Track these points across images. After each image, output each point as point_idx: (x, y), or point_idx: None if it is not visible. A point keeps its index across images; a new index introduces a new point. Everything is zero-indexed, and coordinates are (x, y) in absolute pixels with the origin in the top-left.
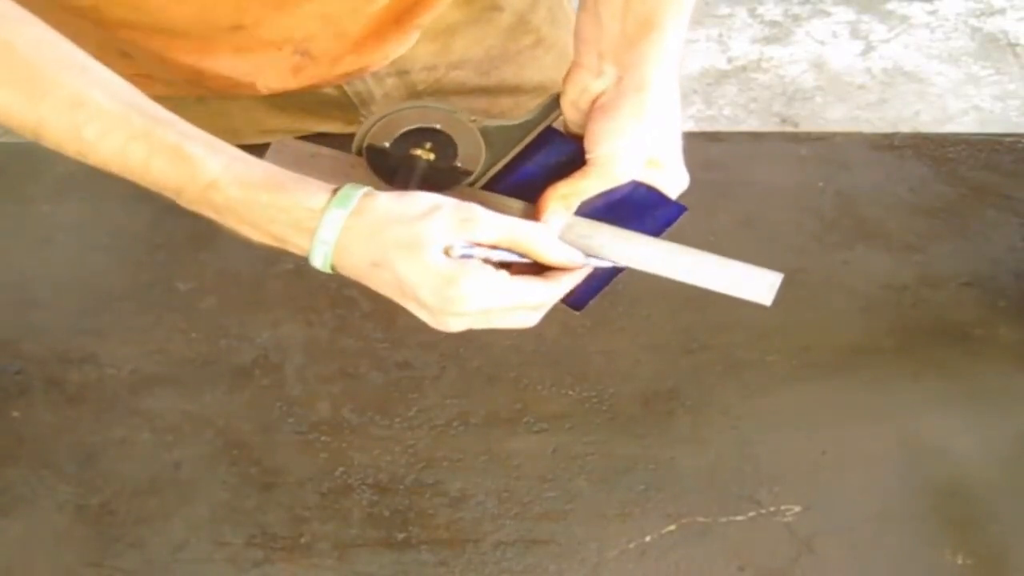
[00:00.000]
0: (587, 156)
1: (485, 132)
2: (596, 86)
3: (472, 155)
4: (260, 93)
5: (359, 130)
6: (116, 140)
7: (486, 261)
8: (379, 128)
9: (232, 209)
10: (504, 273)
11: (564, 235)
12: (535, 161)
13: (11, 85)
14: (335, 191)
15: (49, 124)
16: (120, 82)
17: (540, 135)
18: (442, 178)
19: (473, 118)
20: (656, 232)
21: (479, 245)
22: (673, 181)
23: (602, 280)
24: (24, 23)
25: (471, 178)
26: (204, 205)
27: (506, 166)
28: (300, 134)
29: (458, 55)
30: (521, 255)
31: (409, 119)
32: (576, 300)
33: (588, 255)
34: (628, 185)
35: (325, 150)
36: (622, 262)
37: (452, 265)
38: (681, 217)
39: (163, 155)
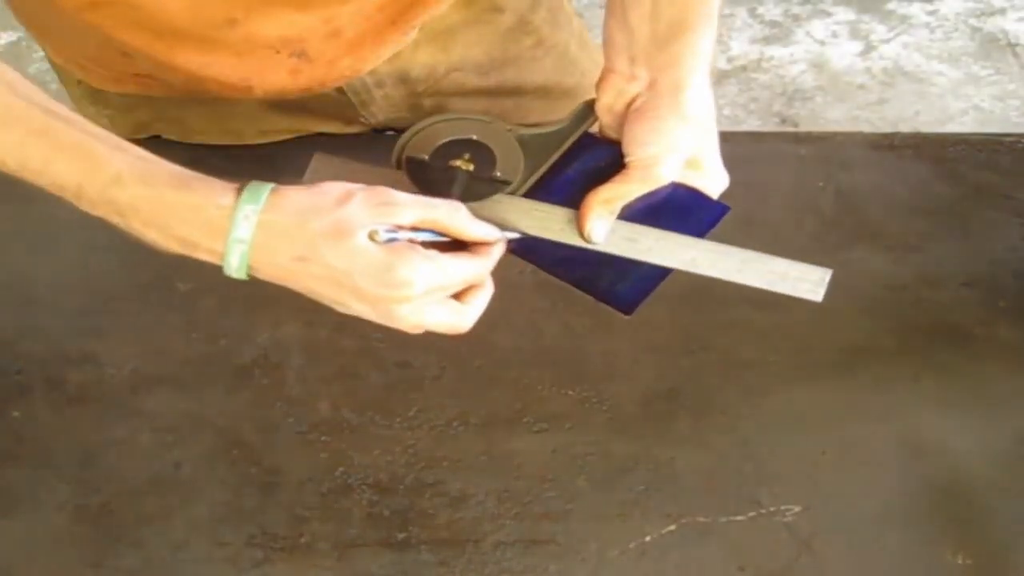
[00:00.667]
0: (627, 160)
1: (522, 141)
2: (631, 90)
3: (511, 164)
4: (258, 95)
5: (397, 144)
6: (15, 135)
7: (410, 243)
8: (417, 141)
9: (137, 209)
10: (436, 252)
11: (609, 240)
12: (574, 168)
13: None
14: (240, 189)
15: None
16: (27, 84)
17: (577, 141)
18: (482, 188)
19: (509, 127)
20: (700, 233)
21: (401, 228)
22: (713, 182)
23: (651, 281)
24: None
25: (511, 187)
26: (106, 206)
27: (545, 174)
28: (300, 134)
29: (458, 56)
30: (441, 234)
31: (446, 131)
32: (625, 302)
33: (635, 258)
34: (668, 187)
35: (365, 166)
36: (669, 264)
37: (384, 250)
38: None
39: (65, 151)
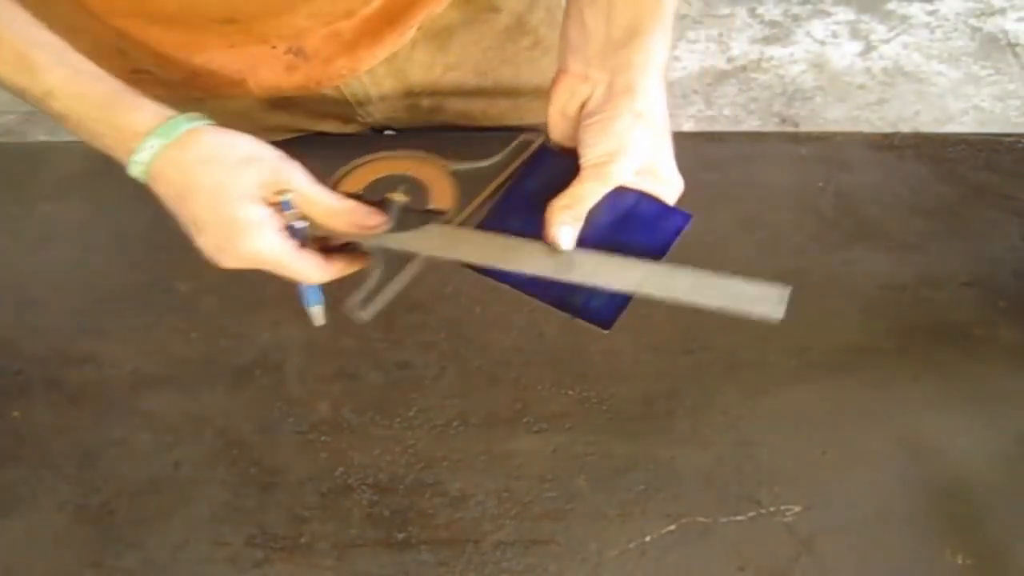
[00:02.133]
0: (581, 161)
1: (457, 175)
2: (583, 91)
3: (445, 196)
4: (252, 92)
5: (331, 178)
6: None
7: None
8: (352, 176)
9: (67, 118)
10: (289, 246)
11: (571, 275)
12: (532, 181)
13: None
14: (168, 118)
15: None
16: None
17: (533, 155)
18: (415, 219)
19: (444, 163)
20: (667, 244)
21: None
22: (670, 188)
23: (624, 297)
24: None
25: (446, 217)
26: (44, 109)
27: (506, 191)
28: (299, 134)
29: (455, 56)
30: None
31: (382, 167)
32: (602, 318)
33: (593, 284)
34: (630, 199)
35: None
36: (615, 287)
37: (246, 218)
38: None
39: (8, 59)
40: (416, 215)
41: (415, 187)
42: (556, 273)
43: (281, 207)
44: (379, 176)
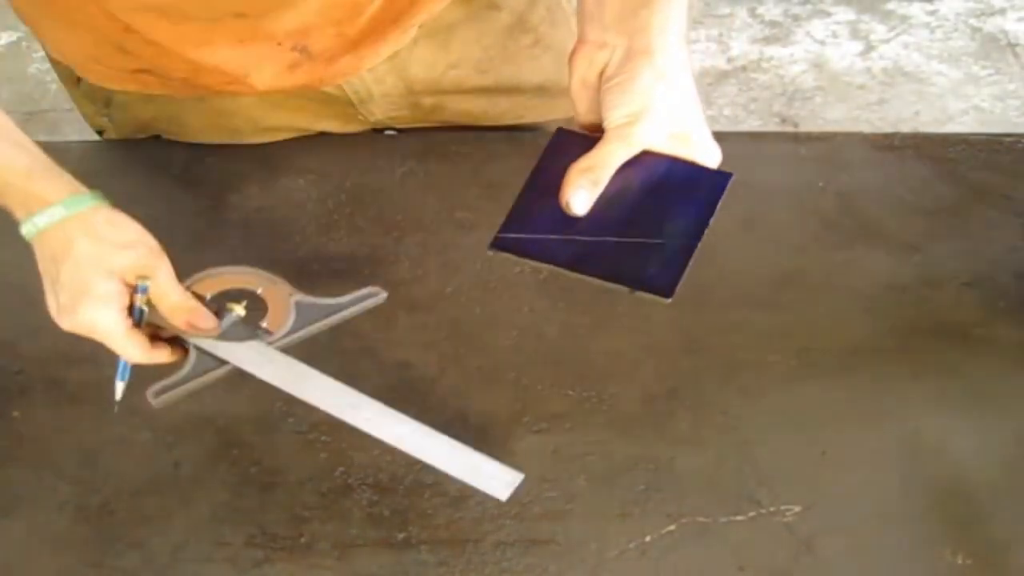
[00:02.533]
0: (604, 125)
1: (298, 305)
2: (601, 57)
3: (280, 319)
4: (255, 89)
5: (189, 279)
6: None
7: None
8: (207, 283)
9: None
10: (123, 325)
11: (355, 418)
12: (554, 166)
13: None
14: (73, 193)
15: None
16: None
17: (554, 139)
18: (244, 332)
19: (290, 290)
20: (712, 206)
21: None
22: (706, 154)
23: (679, 259)
24: None
25: (271, 338)
26: None
27: (531, 178)
28: (300, 133)
29: (456, 54)
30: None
31: (236, 281)
32: (662, 285)
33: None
34: (663, 164)
35: None
36: (390, 441)
37: (97, 289)
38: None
39: None
40: (245, 329)
41: (257, 304)
42: (339, 412)
43: (136, 289)
44: (231, 287)
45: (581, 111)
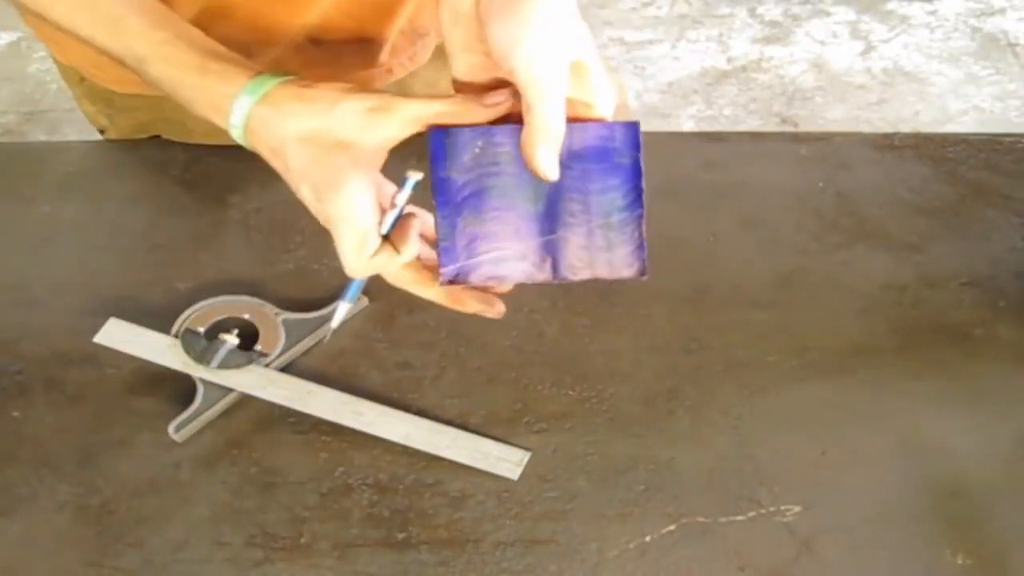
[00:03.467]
0: (511, 67)
1: (286, 323)
2: None
3: (272, 341)
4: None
5: (181, 316)
6: (63, 7)
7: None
8: (198, 315)
9: (161, 85)
10: (374, 235)
11: (359, 423)
12: (455, 169)
13: None
14: (253, 77)
15: None
16: None
17: (434, 142)
18: (241, 358)
19: (277, 312)
20: (637, 164)
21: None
22: (604, 86)
23: (632, 233)
24: None
25: (268, 360)
26: (142, 76)
27: (435, 193)
28: None
29: None
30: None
31: (222, 310)
32: (632, 265)
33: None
34: (568, 131)
35: (149, 332)
36: (397, 439)
37: (339, 172)
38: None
39: (104, 26)
40: (241, 355)
41: (247, 329)
42: (343, 419)
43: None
44: (219, 317)
45: (456, 50)
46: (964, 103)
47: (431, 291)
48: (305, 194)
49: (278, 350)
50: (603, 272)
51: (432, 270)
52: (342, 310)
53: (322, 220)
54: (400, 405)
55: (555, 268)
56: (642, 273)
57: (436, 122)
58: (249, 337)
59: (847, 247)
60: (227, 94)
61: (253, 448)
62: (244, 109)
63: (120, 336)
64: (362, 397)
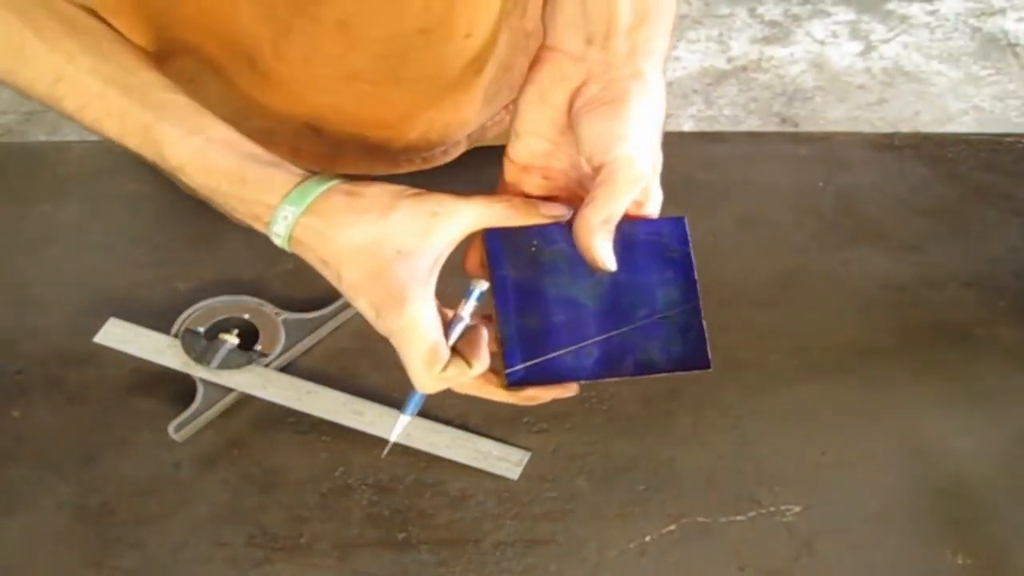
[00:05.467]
0: (603, 161)
1: (286, 323)
2: (576, 73)
3: (272, 341)
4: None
5: (179, 318)
6: (92, 114)
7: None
8: (198, 315)
9: (200, 191)
10: (444, 349)
11: (360, 423)
12: (514, 269)
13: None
14: (297, 185)
15: (35, 92)
16: (106, 62)
17: (490, 246)
18: (242, 358)
19: (277, 312)
20: (688, 257)
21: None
22: (657, 189)
23: (694, 322)
24: None
25: (267, 360)
26: (177, 178)
27: (494, 294)
28: None
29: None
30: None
31: (222, 310)
32: (697, 360)
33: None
34: (618, 228)
35: (149, 332)
36: (397, 438)
37: (400, 286)
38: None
39: (134, 135)
40: (242, 355)
41: (248, 329)
42: (343, 419)
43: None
44: (219, 317)
45: (524, 132)
46: (964, 103)
47: (499, 394)
48: (363, 307)
49: (278, 350)
50: (665, 366)
51: (496, 373)
52: (402, 423)
53: (383, 333)
54: (400, 405)
55: (618, 365)
56: (706, 366)
57: (495, 224)
58: (249, 337)
59: (847, 247)
60: (268, 204)
61: (253, 448)
62: (289, 221)
63: (120, 336)
64: (362, 397)
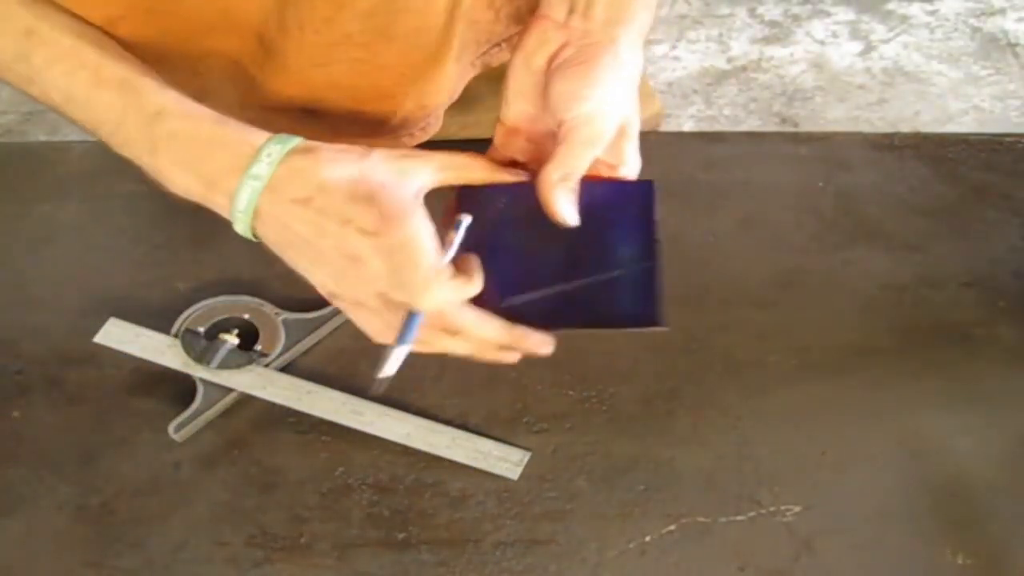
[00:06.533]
0: (563, 119)
1: (285, 323)
2: (557, 38)
3: (272, 341)
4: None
5: (179, 318)
6: (62, 67)
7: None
8: (198, 315)
9: (172, 141)
10: (446, 262)
11: (359, 423)
12: (478, 222)
13: None
14: (277, 134)
15: (2, 53)
16: (79, 22)
17: (460, 202)
18: (242, 358)
19: (277, 312)
20: (651, 221)
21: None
22: (635, 155)
23: (649, 283)
24: None
25: (267, 360)
26: (141, 141)
27: (487, 244)
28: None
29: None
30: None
31: (222, 310)
32: (650, 317)
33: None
34: (587, 187)
35: (149, 332)
36: (398, 439)
37: (396, 204)
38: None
39: (110, 85)
40: (242, 355)
41: (248, 329)
42: (343, 419)
43: (455, 223)
44: (219, 317)
45: (513, 96)
46: (964, 103)
47: (491, 327)
48: (354, 238)
49: (278, 350)
50: (616, 321)
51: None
52: (400, 354)
53: (381, 254)
54: (400, 405)
55: (571, 316)
56: (658, 324)
57: (462, 173)
58: (249, 337)
59: (847, 247)
60: (253, 144)
61: (253, 448)
62: (273, 157)
63: (120, 336)
64: (362, 397)
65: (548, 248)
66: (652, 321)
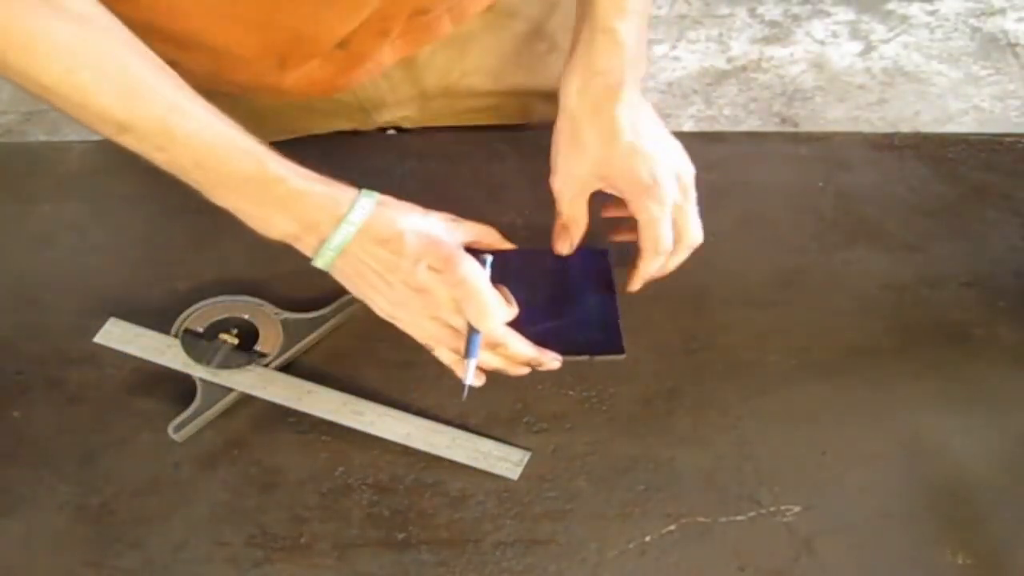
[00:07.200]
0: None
1: (285, 323)
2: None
3: (271, 341)
4: (280, 86)
5: (178, 319)
6: (204, 137)
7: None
8: (198, 315)
9: (287, 198)
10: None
11: (359, 423)
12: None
13: (112, 89)
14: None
15: (139, 124)
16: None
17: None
18: (241, 359)
19: (276, 312)
20: (611, 282)
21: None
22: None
23: (612, 318)
24: (116, 31)
25: (267, 360)
26: (257, 197)
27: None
28: (318, 132)
29: (472, 63)
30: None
31: (222, 310)
32: (613, 345)
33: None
34: (546, 258)
35: (149, 332)
36: (398, 439)
37: (454, 248)
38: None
39: (241, 154)
40: (241, 355)
41: (247, 329)
42: (343, 419)
43: (483, 261)
44: (219, 317)
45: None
46: (964, 103)
47: (526, 344)
48: (421, 273)
49: (277, 350)
50: (587, 350)
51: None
52: (472, 366)
53: (448, 286)
54: (400, 405)
55: (557, 347)
56: (622, 352)
57: (481, 237)
58: (249, 337)
59: (847, 247)
60: (348, 198)
61: (253, 448)
62: (367, 207)
63: (120, 336)
64: (362, 397)
65: (537, 295)
66: (616, 350)
